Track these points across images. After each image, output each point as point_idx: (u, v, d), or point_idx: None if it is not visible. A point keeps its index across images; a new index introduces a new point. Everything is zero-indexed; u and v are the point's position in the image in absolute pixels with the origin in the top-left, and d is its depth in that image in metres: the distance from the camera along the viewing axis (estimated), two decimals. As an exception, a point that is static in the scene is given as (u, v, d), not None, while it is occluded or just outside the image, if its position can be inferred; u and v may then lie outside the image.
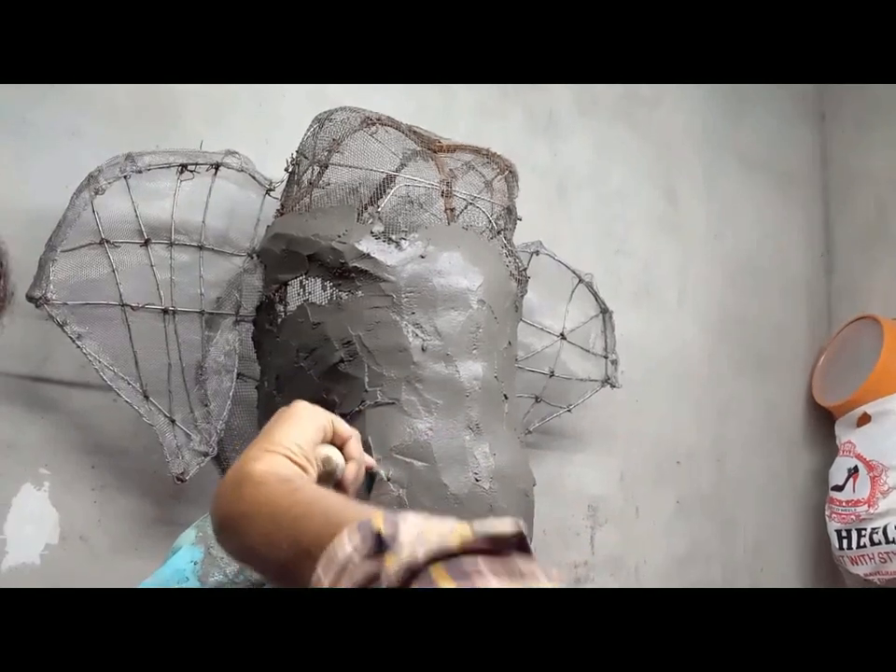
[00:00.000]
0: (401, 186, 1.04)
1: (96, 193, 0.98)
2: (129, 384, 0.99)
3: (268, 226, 1.09)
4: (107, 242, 1.00)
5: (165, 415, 1.01)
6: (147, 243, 1.03)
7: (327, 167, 1.03)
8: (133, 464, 1.10)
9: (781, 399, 2.00)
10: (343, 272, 0.97)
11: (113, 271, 1.00)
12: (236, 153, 1.09)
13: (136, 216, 1.03)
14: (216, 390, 1.05)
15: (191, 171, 1.04)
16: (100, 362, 0.96)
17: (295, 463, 0.54)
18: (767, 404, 1.96)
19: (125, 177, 1.00)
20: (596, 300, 1.49)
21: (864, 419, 1.81)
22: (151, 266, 1.03)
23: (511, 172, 1.15)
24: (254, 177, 1.11)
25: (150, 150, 1.03)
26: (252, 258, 1.09)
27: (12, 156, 1.08)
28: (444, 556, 0.36)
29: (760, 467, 1.92)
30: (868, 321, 1.91)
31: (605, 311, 1.49)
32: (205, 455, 1.01)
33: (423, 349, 0.94)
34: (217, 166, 1.06)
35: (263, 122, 1.27)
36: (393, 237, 0.98)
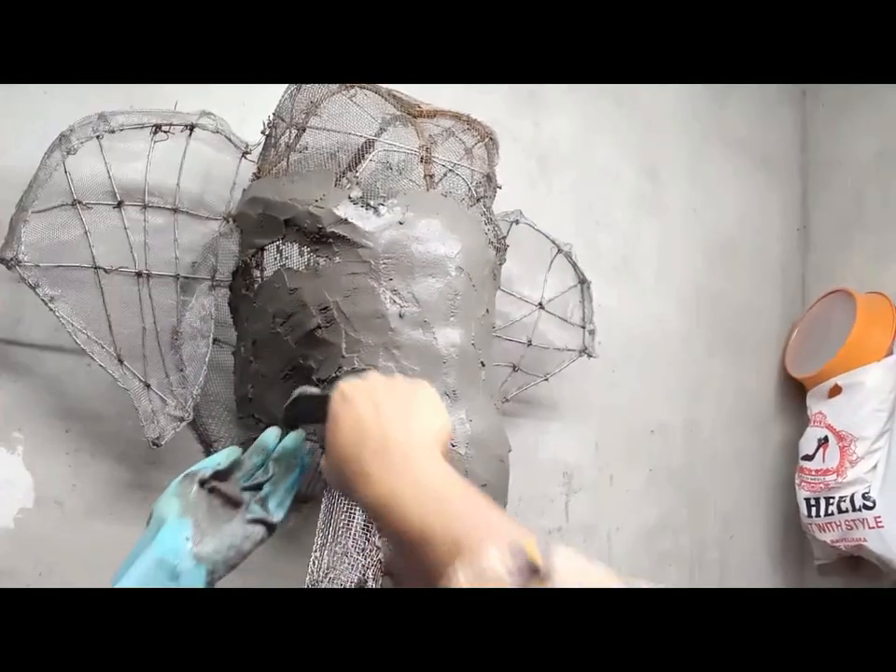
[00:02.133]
0: (380, 151, 1.02)
1: (68, 153, 0.95)
2: (103, 347, 0.98)
3: (244, 189, 1.07)
4: (80, 203, 0.97)
5: (140, 380, 1.00)
6: (120, 205, 1.01)
7: (304, 130, 1.01)
8: (108, 428, 1.10)
9: (754, 372, 2.03)
10: (321, 237, 0.96)
11: (85, 233, 0.98)
12: (212, 114, 1.07)
13: (109, 177, 1.00)
14: (191, 355, 1.04)
15: (165, 132, 1.02)
16: (73, 325, 0.95)
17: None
18: (740, 377, 1.99)
19: (98, 137, 0.97)
20: (575, 270, 1.49)
21: (835, 390, 1.84)
22: (125, 228, 1.01)
23: (491, 139, 1.15)
24: (230, 139, 1.09)
25: (124, 110, 1.01)
26: (228, 221, 1.08)
27: (-20, 113, 1.05)
28: None
29: (732, 437, 1.95)
30: (842, 294, 1.93)
31: (583, 281, 1.50)
32: (181, 419, 1.01)
33: (400, 315, 0.93)
34: (191, 127, 1.04)
35: (240, 84, 1.24)
36: (371, 203, 0.97)
